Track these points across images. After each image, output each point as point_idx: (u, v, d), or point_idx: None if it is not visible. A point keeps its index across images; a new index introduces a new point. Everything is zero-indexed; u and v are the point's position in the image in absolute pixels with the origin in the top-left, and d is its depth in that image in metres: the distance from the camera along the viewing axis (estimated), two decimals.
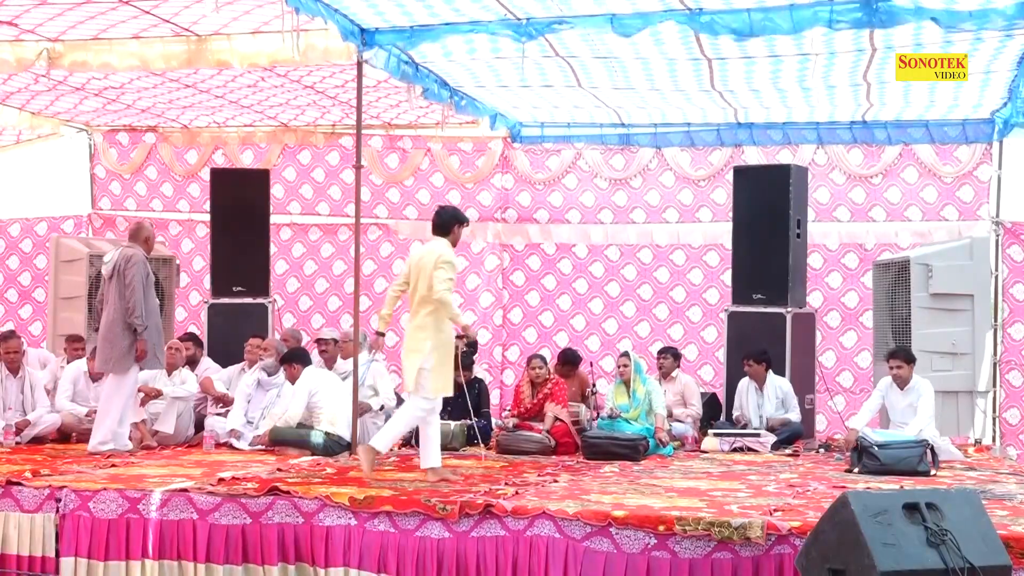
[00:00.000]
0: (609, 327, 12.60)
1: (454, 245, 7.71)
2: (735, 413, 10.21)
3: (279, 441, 9.03)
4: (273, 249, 12.69)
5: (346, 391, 8.89)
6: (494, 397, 12.45)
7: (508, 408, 10.41)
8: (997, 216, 11.52)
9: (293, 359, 9.44)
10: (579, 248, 12.77)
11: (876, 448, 8.15)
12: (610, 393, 9.98)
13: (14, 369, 9.64)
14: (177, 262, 12.50)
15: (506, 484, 7.23)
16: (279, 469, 7.82)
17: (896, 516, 4.92)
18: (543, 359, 10.05)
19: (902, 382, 9.02)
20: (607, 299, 12.65)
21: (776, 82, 10.02)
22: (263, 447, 9.12)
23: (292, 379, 9.33)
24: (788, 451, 9.55)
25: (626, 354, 10.04)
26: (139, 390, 9.35)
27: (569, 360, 10.56)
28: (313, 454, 8.74)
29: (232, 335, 10.68)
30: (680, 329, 12.38)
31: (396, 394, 9.50)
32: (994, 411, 11.11)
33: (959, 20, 7.34)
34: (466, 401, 10.02)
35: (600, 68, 9.82)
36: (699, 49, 8.92)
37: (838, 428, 11.16)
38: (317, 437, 8.84)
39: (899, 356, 9.13)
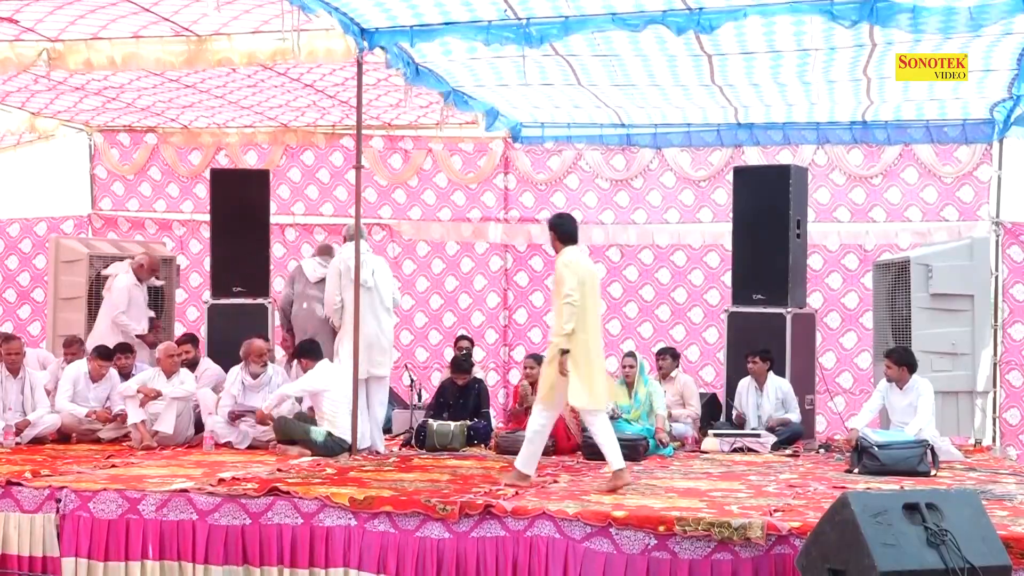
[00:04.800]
0: (612, 328, 12.61)
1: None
2: (734, 412, 10.21)
3: (281, 430, 9.05)
4: (283, 250, 13.00)
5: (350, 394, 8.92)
6: (500, 397, 12.53)
7: (510, 408, 10.38)
8: (997, 216, 11.52)
9: (303, 354, 9.39)
10: None
11: (876, 448, 8.14)
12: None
13: (14, 370, 9.65)
14: (179, 263, 12.54)
15: (506, 484, 7.22)
16: (279, 470, 7.82)
17: (896, 516, 4.93)
18: (537, 359, 9.90)
19: (897, 382, 9.01)
20: (610, 300, 12.65)
21: (776, 77, 10.02)
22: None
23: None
24: (788, 451, 9.55)
25: (632, 355, 10.04)
26: (138, 391, 9.37)
27: None
28: (313, 452, 8.74)
29: (232, 336, 10.66)
30: (682, 330, 12.41)
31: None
32: (994, 411, 11.10)
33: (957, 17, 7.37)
34: (466, 402, 10.07)
35: (600, 67, 9.82)
36: (699, 46, 8.92)
37: (838, 429, 11.16)
38: (318, 435, 8.85)
39: (892, 356, 9.11)
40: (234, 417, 9.32)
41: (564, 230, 7.53)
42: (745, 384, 10.12)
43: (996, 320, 11.02)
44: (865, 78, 9.93)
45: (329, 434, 8.84)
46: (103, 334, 10.59)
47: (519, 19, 8.15)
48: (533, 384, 9.72)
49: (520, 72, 9.38)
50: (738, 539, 5.85)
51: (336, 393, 8.97)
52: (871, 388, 10.38)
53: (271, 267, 12.02)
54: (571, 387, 7.16)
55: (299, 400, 9.42)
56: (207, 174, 12.71)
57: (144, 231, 13.58)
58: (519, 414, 9.67)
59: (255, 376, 9.61)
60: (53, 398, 9.77)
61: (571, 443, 9.37)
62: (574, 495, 6.84)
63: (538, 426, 7.44)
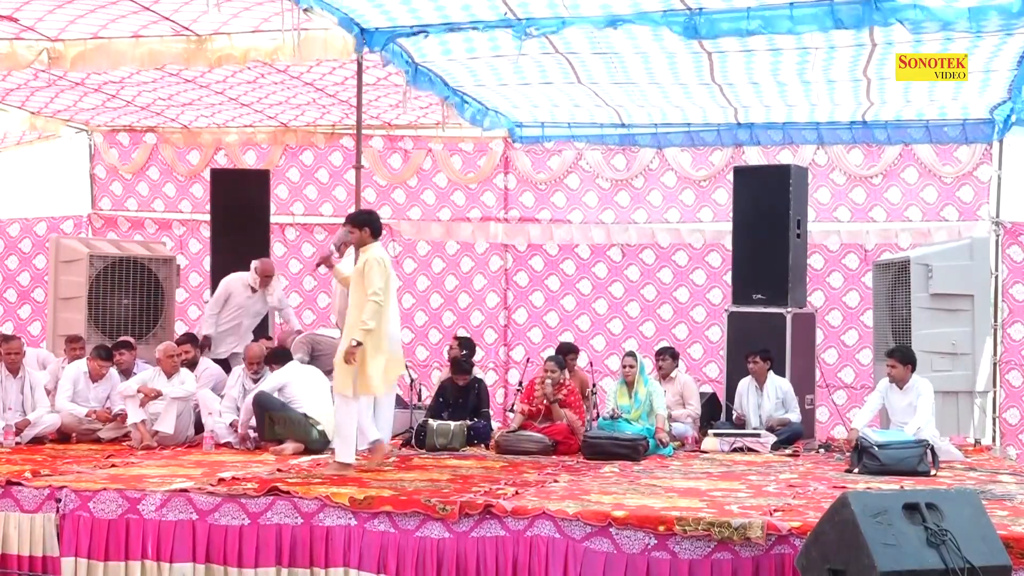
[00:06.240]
0: (614, 327, 12.65)
1: None
2: (735, 413, 10.21)
3: (260, 404, 9.09)
4: (283, 249, 13.04)
5: (326, 388, 9.11)
6: (499, 396, 12.54)
7: (516, 403, 10.29)
8: (997, 216, 11.53)
9: (273, 360, 9.60)
10: (582, 249, 12.81)
11: (876, 448, 8.14)
12: (612, 393, 9.97)
13: (14, 370, 9.64)
14: (179, 263, 12.52)
15: (506, 484, 7.23)
16: (279, 469, 7.82)
17: (896, 516, 4.92)
18: (559, 363, 9.83)
19: (898, 382, 9.01)
20: (611, 300, 12.69)
21: (776, 75, 10.02)
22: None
23: None
24: (788, 451, 9.54)
25: (632, 354, 10.02)
26: (138, 390, 9.37)
27: (560, 351, 10.59)
28: (294, 435, 8.88)
29: None
30: (685, 329, 12.44)
31: None
32: (994, 411, 11.12)
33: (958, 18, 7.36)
34: (466, 402, 10.07)
35: (599, 64, 9.82)
36: (698, 43, 8.92)
37: (840, 422, 11.19)
38: (295, 412, 8.99)
39: (895, 356, 9.11)
40: (243, 439, 9.31)
41: (376, 226, 8.02)
42: (745, 384, 10.12)
43: (996, 320, 11.02)
44: (865, 79, 9.93)
45: (306, 415, 8.98)
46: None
47: (518, 20, 8.16)
48: (555, 387, 9.66)
49: (517, 69, 9.38)
50: (738, 539, 5.85)
51: (297, 386, 9.19)
52: (871, 383, 10.39)
53: None
54: (360, 374, 7.68)
55: None
56: (206, 174, 12.73)
57: (144, 231, 13.59)
58: (533, 412, 9.62)
59: (255, 381, 9.63)
60: (53, 398, 9.77)
61: (572, 443, 9.37)
62: (574, 495, 6.84)
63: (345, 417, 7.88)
